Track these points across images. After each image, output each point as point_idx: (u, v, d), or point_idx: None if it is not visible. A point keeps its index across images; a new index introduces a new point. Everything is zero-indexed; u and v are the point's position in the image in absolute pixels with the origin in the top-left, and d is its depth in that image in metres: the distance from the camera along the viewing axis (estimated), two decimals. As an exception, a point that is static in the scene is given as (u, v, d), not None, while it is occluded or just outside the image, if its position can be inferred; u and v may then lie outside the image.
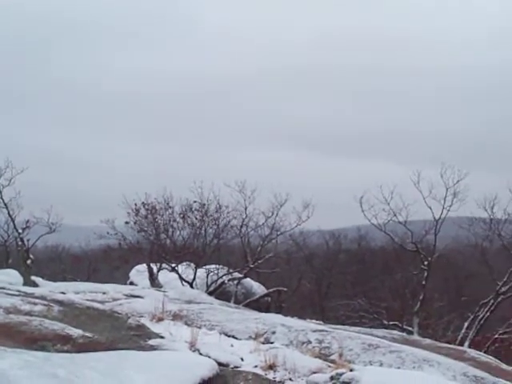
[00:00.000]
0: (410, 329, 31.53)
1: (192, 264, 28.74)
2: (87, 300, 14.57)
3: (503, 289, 31.10)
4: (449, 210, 31.95)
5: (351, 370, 9.41)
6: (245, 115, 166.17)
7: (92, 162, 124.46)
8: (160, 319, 12.72)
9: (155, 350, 9.99)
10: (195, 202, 29.75)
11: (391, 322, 33.80)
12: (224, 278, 28.95)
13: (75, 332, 10.09)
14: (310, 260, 49.03)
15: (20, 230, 31.92)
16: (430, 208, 31.88)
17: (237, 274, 29.76)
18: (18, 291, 14.68)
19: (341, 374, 9.16)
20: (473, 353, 15.05)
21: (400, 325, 32.97)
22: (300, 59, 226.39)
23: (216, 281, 28.64)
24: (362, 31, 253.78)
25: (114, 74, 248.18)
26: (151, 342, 10.55)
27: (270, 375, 9.64)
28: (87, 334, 10.15)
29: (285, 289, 34.01)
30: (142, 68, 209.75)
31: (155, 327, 12.02)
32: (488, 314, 31.17)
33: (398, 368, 10.97)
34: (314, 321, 19.92)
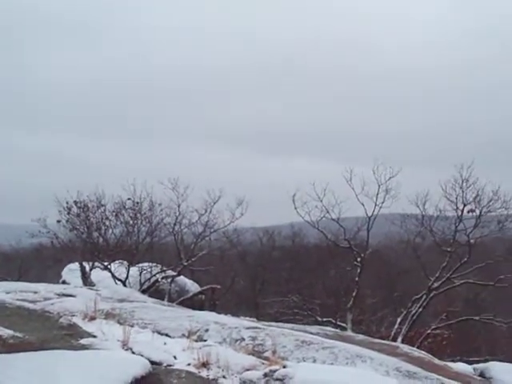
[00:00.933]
0: (343, 325, 31.85)
1: (125, 262, 28.47)
2: (18, 300, 14.31)
3: (435, 284, 31.59)
4: (381, 207, 32.31)
5: (284, 367, 9.47)
6: (181, 115, 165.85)
7: (23, 159, 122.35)
8: (92, 318, 12.58)
9: (87, 349, 9.89)
10: (128, 199, 29.48)
11: (325, 319, 34.11)
12: (157, 276, 28.76)
13: (5, 332, 9.91)
14: (243, 257, 49.13)
15: None
16: (363, 205, 32.21)
17: (170, 272, 29.58)
18: None
19: (274, 371, 9.21)
20: (406, 348, 15.28)
21: (334, 321, 33.29)
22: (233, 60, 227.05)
23: (149, 279, 28.45)
24: (292, 32, 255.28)
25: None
26: (83, 341, 10.44)
27: (204, 373, 9.65)
28: (18, 334, 9.99)
29: (218, 286, 33.98)
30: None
31: (87, 326, 11.88)
32: (421, 309, 31.65)
33: (331, 364, 11.06)
34: (247, 318, 19.96)
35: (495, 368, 14.02)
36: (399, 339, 29.48)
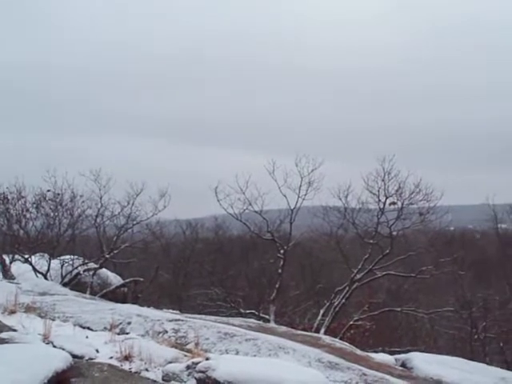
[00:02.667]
0: (266, 317, 31.99)
1: (46, 255, 28.05)
2: None
3: (358, 276, 31.99)
4: (304, 199, 32.53)
5: (207, 359, 9.53)
6: (103, 109, 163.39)
7: None
8: (12, 312, 12.43)
9: (7, 343, 9.78)
10: (49, 191, 29.03)
11: (248, 311, 34.23)
12: (79, 268, 28.36)
13: None
14: (167, 250, 48.99)
15: None
16: (286, 197, 32.36)
17: (92, 265, 29.22)
18: None
19: (197, 363, 9.28)
20: (328, 339, 15.50)
21: (257, 313, 33.44)
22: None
23: (71, 272, 28.03)
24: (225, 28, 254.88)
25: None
26: (2, 335, 10.30)
27: (126, 366, 9.65)
28: None
29: (141, 279, 33.74)
30: None
31: (7, 320, 11.75)
32: (343, 301, 32.02)
33: (254, 356, 11.19)
34: (170, 311, 19.95)
35: (416, 358, 14.35)
36: (322, 331, 29.78)
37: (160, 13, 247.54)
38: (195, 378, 9.06)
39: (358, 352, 14.56)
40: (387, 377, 11.53)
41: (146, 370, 9.58)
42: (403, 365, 14.13)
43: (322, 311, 32.41)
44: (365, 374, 11.21)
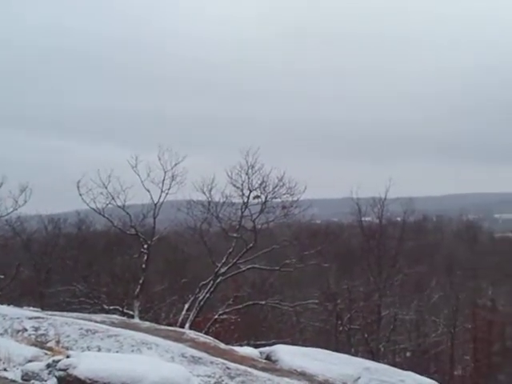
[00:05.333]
0: (130, 313, 31.82)
1: None
2: None
3: (222, 270, 32.26)
4: (167, 194, 32.50)
5: (68, 357, 9.51)
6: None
7: None
8: None
9: None
10: None
11: (112, 307, 33.97)
12: None
13: None
14: (28, 246, 47.85)
15: None
16: (149, 191, 32.26)
17: None
18: None
19: (57, 361, 9.26)
20: (192, 334, 15.66)
21: (121, 309, 33.21)
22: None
23: None
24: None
25: None
26: None
27: (-16, 366, 9.51)
28: None
29: (2, 276, 32.98)
30: None
31: None
32: (208, 295, 32.22)
33: (117, 352, 11.22)
34: (31, 308, 19.60)
35: (281, 351, 14.70)
36: (187, 325, 29.90)
37: None
38: (56, 377, 9.04)
39: (222, 346, 14.79)
40: (250, 370, 11.80)
41: (5, 369, 9.48)
42: (268, 358, 14.43)
43: (186, 306, 32.48)
44: (228, 368, 11.44)
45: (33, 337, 11.73)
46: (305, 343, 37.13)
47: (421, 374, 16.79)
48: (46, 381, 9.08)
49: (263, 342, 29.71)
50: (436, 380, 16.12)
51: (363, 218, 48.19)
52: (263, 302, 36.81)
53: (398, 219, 52.01)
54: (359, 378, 13.97)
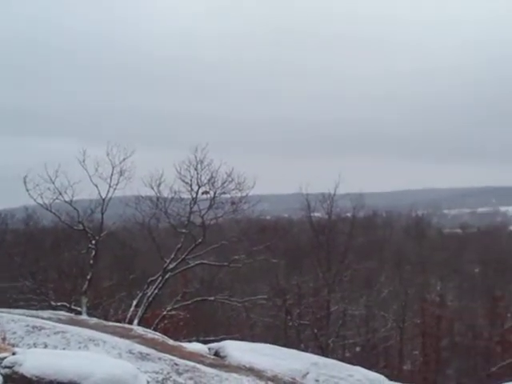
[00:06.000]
0: (78, 309, 31.62)
1: None
2: None
3: (171, 266, 32.25)
4: (115, 189, 32.29)
5: (14, 354, 9.45)
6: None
7: None
8: None
9: None
10: None
11: (59, 303, 33.68)
12: None
13: None
14: (-27, 242, 47.32)
15: None
16: (97, 186, 32.02)
17: None
18: None
19: (3, 359, 9.21)
20: (140, 330, 15.68)
21: (68, 305, 32.96)
22: None
23: None
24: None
25: None
26: None
27: None
28: None
29: None
30: None
31: None
32: (156, 291, 32.17)
33: (64, 349, 11.19)
34: (-25, 306, 19.43)
35: (229, 347, 14.82)
36: (135, 321, 29.83)
37: None
38: (1, 374, 8.99)
39: (171, 342, 14.83)
40: (198, 366, 11.87)
41: (-51, 367, 9.37)
42: (216, 353, 14.54)
43: (135, 302, 32.39)
44: (176, 364, 11.49)
45: (-22, 335, 11.63)
46: (254, 339, 37.27)
47: (370, 368, 17.06)
48: (-10, 379, 9.02)
49: (212, 338, 29.78)
50: (384, 375, 16.37)
51: (313, 214, 48.50)
52: (212, 298, 36.86)
53: (348, 215, 52.41)
54: (308, 373, 14.13)
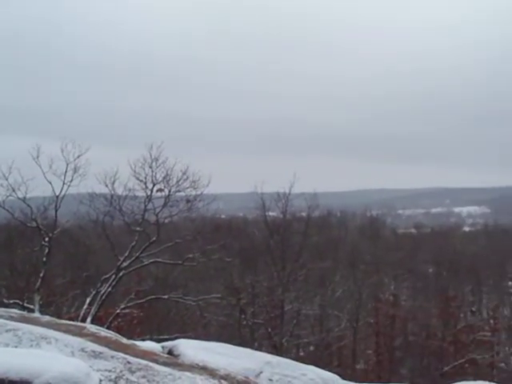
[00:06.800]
0: (31, 307, 31.38)
1: None
2: None
3: (125, 264, 32.13)
4: (69, 186, 32.06)
5: (-36, 352, 9.38)
6: None
7: None
8: None
9: None
10: None
11: (12, 301, 33.40)
12: None
13: None
14: None
15: None
16: (50, 183, 31.74)
17: None
18: None
19: (-48, 357, 9.11)
20: (93, 328, 15.59)
21: (21, 303, 32.69)
22: None
23: None
24: None
25: None
26: None
27: None
28: None
29: None
30: None
31: None
32: (110, 289, 32.02)
33: (15, 347, 11.11)
34: None
35: (183, 345, 14.83)
36: (89, 319, 29.70)
37: None
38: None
39: (124, 340, 14.79)
40: (151, 364, 11.87)
41: None
42: (170, 352, 14.54)
43: (88, 300, 32.20)
44: (129, 362, 11.47)
45: None
46: (208, 337, 37.19)
47: (323, 367, 17.18)
48: None
49: (166, 337, 29.75)
50: (338, 374, 16.47)
51: (268, 213, 48.63)
52: (166, 297, 36.83)
53: (303, 214, 52.68)
54: (261, 372, 14.19)
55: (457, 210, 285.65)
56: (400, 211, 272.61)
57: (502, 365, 61.99)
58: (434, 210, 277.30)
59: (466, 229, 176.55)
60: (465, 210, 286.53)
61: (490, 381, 19.73)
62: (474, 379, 23.21)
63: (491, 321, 66.47)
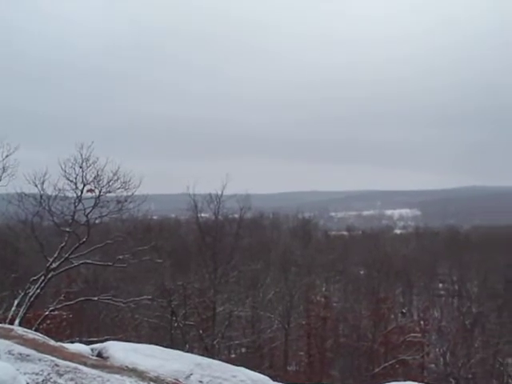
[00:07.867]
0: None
1: None
2: None
3: (54, 265, 31.76)
4: (-2, 186, 31.64)
5: None
6: None
7: None
8: None
9: None
10: None
11: None
12: None
13: None
14: None
15: None
16: (-24, 184, 31.31)
17: None
18: None
19: None
20: (20, 330, 15.40)
21: None
22: None
23: None
24: None
25: None
26: None
27: None
28: None
29: None
30: None
31: None
32: (39, 290, 31.62)
33: None
34: None
35: (112, 347, 14.74)
36: (17, 322, 29.30)
37: None
38: None
39: (52, 343, 14.64)
40: (80, 367, 11.79)
41: None
42: (99, 354, 14.44)
43: (16, 301, 31.78)
44: (57, 365, 11.38)
45: None
46: (140, 339, 37.19)
47: (254, 369, 17.23)
48: None
49: (96, 339, 29.51)
50: (269, 375, 16.56)
51: (200, 215, 48.64)
52: (95, 298, 36.51)
53: (235, 216, 52.83)
54: (191, 374, 14.20)
55: (388, 212, 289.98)
56: (332, 213, 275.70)
57: (432, 366, 63.17)
58: (365, 213, 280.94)
59: (398, 231, 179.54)
60: (396, 212, 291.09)
61: (419, 381, 20.10)
62: (405, 380, 23.56)
63: (421, 322, 67.81)
